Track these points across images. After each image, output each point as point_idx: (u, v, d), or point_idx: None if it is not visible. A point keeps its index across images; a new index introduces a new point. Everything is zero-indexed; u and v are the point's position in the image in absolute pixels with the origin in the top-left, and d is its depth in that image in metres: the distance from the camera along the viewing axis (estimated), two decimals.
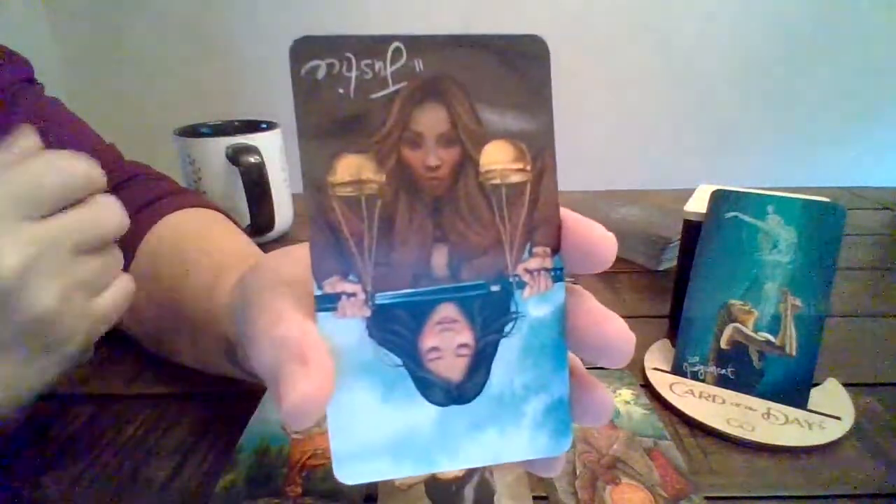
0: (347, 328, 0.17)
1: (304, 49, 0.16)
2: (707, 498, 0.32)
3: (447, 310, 0.17)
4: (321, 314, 0.17)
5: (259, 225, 0.63)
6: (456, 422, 0.18)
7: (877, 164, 0.99)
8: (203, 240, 0.38)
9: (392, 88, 0.16)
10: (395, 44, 0.16)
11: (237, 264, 0.32)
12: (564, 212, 0.18)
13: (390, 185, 0.17)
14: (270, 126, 0.67)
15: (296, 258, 0.20)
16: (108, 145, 0.46)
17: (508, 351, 0.18)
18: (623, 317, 0.18)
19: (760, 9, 0.90)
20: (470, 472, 0.33)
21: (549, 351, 0.18)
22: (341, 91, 0.16)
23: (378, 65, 0.16)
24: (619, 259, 0.67)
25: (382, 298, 0.17)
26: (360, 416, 0.17)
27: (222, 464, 0.34)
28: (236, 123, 0.71)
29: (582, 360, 0.20)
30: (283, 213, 0.68)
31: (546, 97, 0.18)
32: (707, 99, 0.96)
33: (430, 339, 0.17)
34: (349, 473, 0.17)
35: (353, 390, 0.17)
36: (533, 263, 0.18)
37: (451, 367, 0.18)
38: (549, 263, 0.18)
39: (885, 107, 0.96)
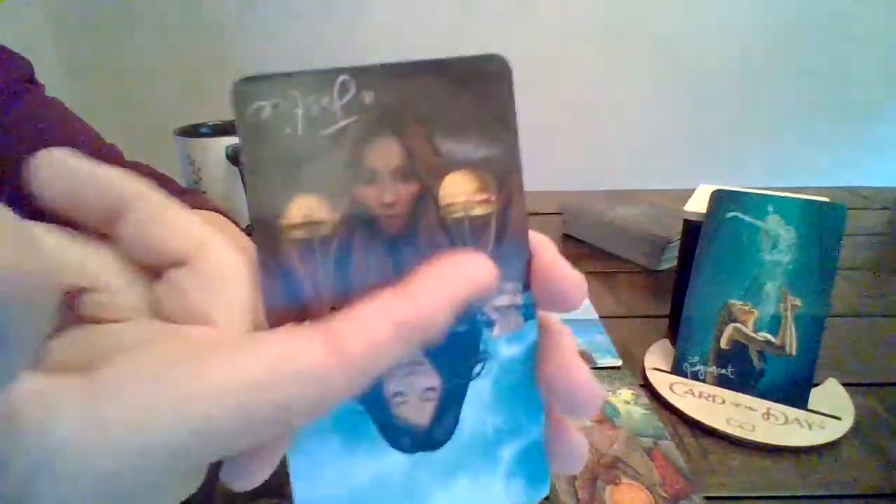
0: None
1: (247, 90, 0.15)
2: (707, 498, 0.32)
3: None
4: None
5: None
6: (425, 469, 0.17)
7: (877, 164, 0.99)
8: None
9: (341, 124, 0.15)
10: (342, 77, 0.15)
11: None
12: (536, 244, 0.17)
13: (345, 225, 0.16)
14: None
15: None
16: (108, 145, 0.46)
17: (479, 393, 0.17)
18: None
19: (761, 10, 0.90)
20: None
21: (522, 392, 0.17)
22: (288, 130, 0.15)
23: (326, 100, 0.15)
24: (619, 259, 0.67)
25: None
26: (323, 466, 0.16)
27: (222, 464, 0.34)
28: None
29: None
30: None
31: (509, 119, 0.16)
32: (707, 99, 0.96)
33: (393, 384, 0.16)
34: None
35: (315, 439, 0.16)
36: (502, 300, 0.17)
37: (418, 411, 0.17)
38: (519, 300, 0.17)
39: (884, 107, 0.96)
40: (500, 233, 0.17)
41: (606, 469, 0.33)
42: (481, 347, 0.17)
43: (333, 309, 0.16)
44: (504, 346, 0.17)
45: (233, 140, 0.63)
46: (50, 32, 0.91)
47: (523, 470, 0.17)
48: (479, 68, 0.16)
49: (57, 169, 0.15)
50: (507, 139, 0.16)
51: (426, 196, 0.16)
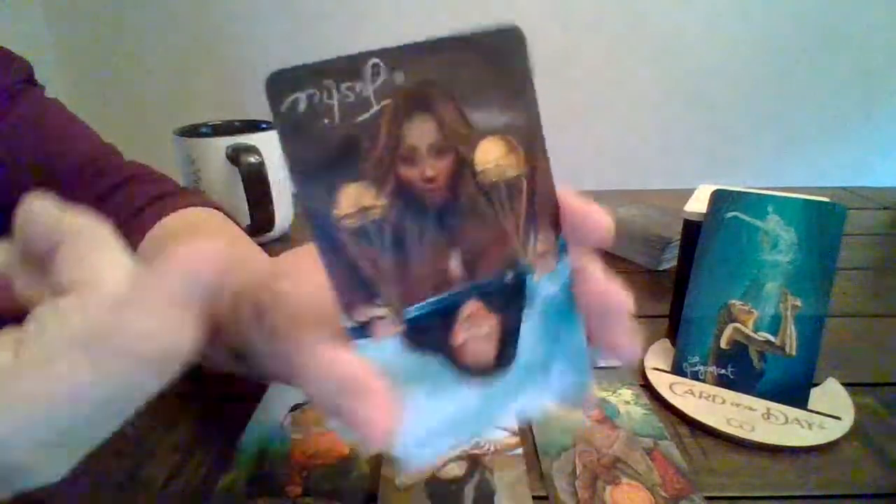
0: (385, 346, 0.18)
1: (281, 83, 0.15)
2: (707, 498, 0.32)
3: (471, 306, 0.19)
4: (359, 341, 0.17)
5: (259, 225, 0.63)
6: (494, 394, 0.19)
7: (877, 164, 0.99)
8: (199, 235, 0.38)
9: (377, 108, 0.16)
10: (372, 60, 0.16)
11: (236, 267, 0.31)
12: (561, 192, 0.19)
13: (393, 206, 0.17)
14: (270, 126, 0.67)
15: (308, 285, 0.19)
16: (107, 145, 0.46)
17: (530, 326, 0.19)
18: None
19: (761, 9, 0.90)
20: (470, 472, 0.33)
21: (564, 319, 0.20)
22: (326, 121, 0.16)
23: (359, 86, 0.16)
24: (619, 259, 0.67)
25: (411, 312, 0.18)
26: (413, 415, 0.18)
27: (222, 464, 0.34)
28: (236, 123, 0.71)
29: (588, 329, 0.21)
30: (284, 212, 0.68)
31: (528, 86, 0.17)
32: (707, 99, 0.96)
33: (460, 334, 0.19)
34: (412, 464, 0.19)
35: (403, 396, 0.18)
36: (539, 248, 0.19)
37: (484, 352, 0.19)
38: (553, 244, 0.19)
39: (884, 106, 0.96)
40: (532, 189, 0.18)
41: (606, 469, 0.33)
42: (527, 290, 0.19)
43: (398, 282, 0.17)
44: (545, 286, 0.19)
45: (233, 140, 0.63)
46: (50, 33, 0.91)
47: (570, 374, 0.20)
48: (496, 39, 0.17)
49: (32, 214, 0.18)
50: (529, 104, 0.18)
51: (463, 166, 0.17)
